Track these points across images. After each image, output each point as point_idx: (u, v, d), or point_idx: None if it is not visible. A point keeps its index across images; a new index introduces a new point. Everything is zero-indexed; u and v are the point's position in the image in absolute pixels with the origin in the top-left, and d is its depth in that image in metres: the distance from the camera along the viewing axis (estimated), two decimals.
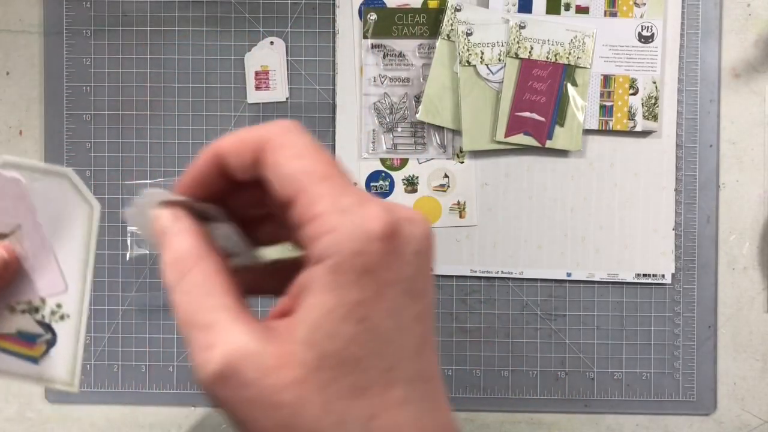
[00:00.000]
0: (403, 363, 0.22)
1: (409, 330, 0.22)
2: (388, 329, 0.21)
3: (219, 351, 0.21)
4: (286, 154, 0.23)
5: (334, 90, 0.59)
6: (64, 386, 0.29)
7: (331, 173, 0.23)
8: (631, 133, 0.59)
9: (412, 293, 0.22)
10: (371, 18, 0.58)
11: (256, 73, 0.59)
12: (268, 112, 0.60)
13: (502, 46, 0.58)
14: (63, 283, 0.29)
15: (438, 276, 0.60)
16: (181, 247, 0.24)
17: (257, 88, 0.59)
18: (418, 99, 0.59)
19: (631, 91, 0.58)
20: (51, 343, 0.29)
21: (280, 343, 0.21)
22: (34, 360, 0.29)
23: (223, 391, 0.21)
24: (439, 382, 0.24)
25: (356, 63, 0.59)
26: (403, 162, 0.60)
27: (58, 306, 0.29)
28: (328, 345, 0.21)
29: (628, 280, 0.59)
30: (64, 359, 0.29)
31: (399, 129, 0.59)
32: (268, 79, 0.59)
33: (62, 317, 0.29)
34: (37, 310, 0.29)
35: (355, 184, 0.25)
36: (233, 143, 0.24)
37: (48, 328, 0.29)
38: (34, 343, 0.29)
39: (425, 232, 0.23)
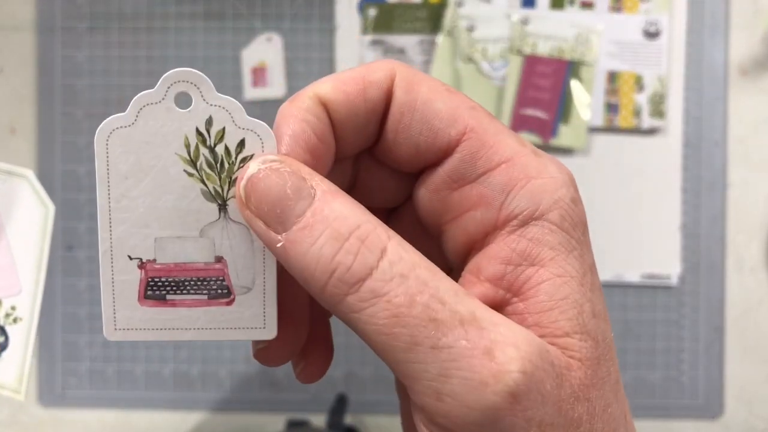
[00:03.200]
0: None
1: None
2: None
3: (512, 355, 0.15)
4: (431, 91, 0.18)
5: None
6: (10, 392, 0.28)
7: (487, 111, 0.18)
8: (637, 130, 0.58)
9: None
10: (371, 13, 0.58)
11: (253, 71, 0.58)
12: (266, 108, 0.59)
13: (505, 42, 0.57)
14: (18, 285, 0.28)
15: None
16: (348, 212, 0.16)
17: (254, 85, 0.58)
18: None
19: (637, 88, 0.57)
20: (2, 346, 0.28)
21: (547, 336, 0.16)
22: None
23: (514, 415, 0.15)
24: None
25: (356, 59, 0.58)
26: None
27: (13, 308, 0.28)
28: (593, 325, 0.17)
29: (633, 281, 0.58)
30: (14, 365, 0.28)
31: None
32: (265, 76, 0.58)
33: (15, 320, 0.28)
34: None
35: None
36: (340, 87, 0.18)
37: (1, 330, 0.28)
38: None
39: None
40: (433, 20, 0.58)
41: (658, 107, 0.58)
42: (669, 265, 0.58)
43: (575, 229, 0.17)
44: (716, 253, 0.59)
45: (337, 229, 0.16)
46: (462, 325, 0.15)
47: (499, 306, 0.17)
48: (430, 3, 0.58)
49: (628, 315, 0.59)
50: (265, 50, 0.58)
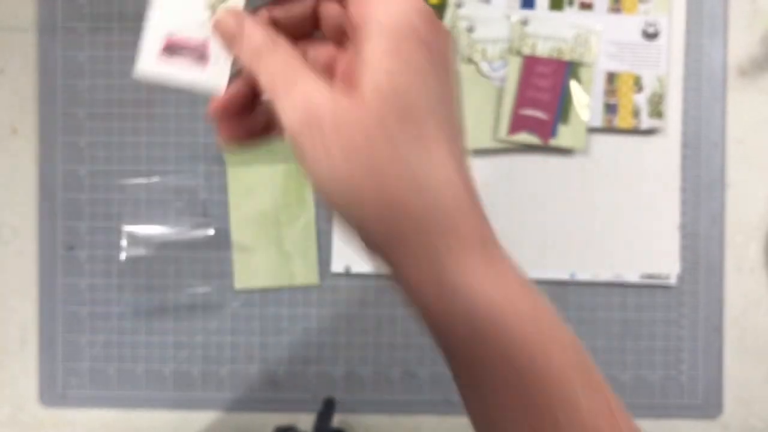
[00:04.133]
0: (441, 107, 0.25)
1: (446, 84, 0.25)
2: (433, 75, 0.25)
3: (301, 99, 0.25)
4: None
5: None
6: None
7: None
8: (636, 131, 0.58)
9: (443, 64, 0.25)
10: None
11: None
12: None
13: (505, 42, 0.57)
14: None
15: None
16: (256, 37, 0.27)
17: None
18: None
19: (636, 89, 0.58)
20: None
21: (351, 91, 0.24)
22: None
23: (306, 133, 0.24)
24: (462, 137, 0.27)
25: None
26: None
27: None
28: (385, 83, 0.24)
29: (632, 281, 0.58)
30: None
31: None
32: None
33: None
34: None
35: None
36: None
37: None
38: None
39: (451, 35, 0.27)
40: None
41: (657, 108, 0.58)
42: (668, 265, 0.59)
43: (399, 29, 0.24)
44: (715, 253, 0.59)
45: (248, 43, 0.28)
46: (290, 85, 0.25)
47: (349, 71, 0.26)
48: (430, 3, 0.58)
49: (627, 315, 0.59)
50: None
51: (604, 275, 0.59)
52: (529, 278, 0.26)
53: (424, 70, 0.24)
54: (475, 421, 0.26)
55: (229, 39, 0.29)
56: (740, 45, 0.59)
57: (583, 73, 0.57)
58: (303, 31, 0.29)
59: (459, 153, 0.25)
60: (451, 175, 0.24)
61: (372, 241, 0.25)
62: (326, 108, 0.24)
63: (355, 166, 0.24)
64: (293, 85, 0.25)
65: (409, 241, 0.24)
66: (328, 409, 0.57)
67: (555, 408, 0.24)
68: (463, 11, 0.57)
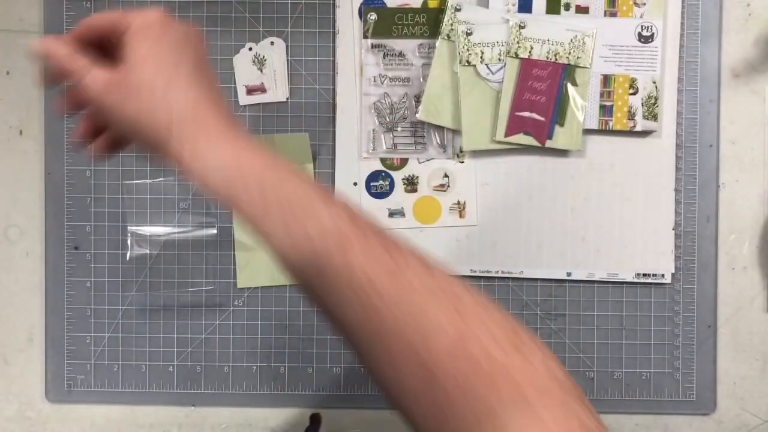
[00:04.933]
0: (182, 70, 0.37)
1: (183, 57, 0.37)
2: (168, 53, 0.37)
3: (98, 78, 0.37)
4: (105, 15, 0.39)
5: (334, 90, 0.59)
6: None
7: (127, 12, 0.39)
8: (631, 132, 0.59)
9: (182, 45, 0.37)
10: (371, 18, 0.58)
11: (248, 89, 0.59)
12: (267, 111, 0.60)
13: (502, 45, 0.58)
14: None
15: None
16: (76, 60, 0.38)
17: (249, 93, 0.60)
18: (418, 99, 0.59)
19: (631, 91, 0.58)
20: None
21: (116, 70, 0.37)
22: None
23: (107, 97, 0.37)
24: (213, 80, 0.38)
25: (356, 63, 0.59)
26: (403, 162, 0.60)
27: None
28: (132, 62, 0.37)
29: (627, 280, 0.59)
30: None
31: (399, 129, 0.59)
32: (262, 89, 0.59)
33: None
34: None
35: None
36: (96, 21, 0.39)
37: None
38: None
39: (190, 29, 0.38)
40: (432, 25, 0.58)
41: (651, 109, 0.59)
42: (663, 264, 0.59)
43: (142, 29, 0.37)
44: (709, 252, 0.60)
45: (73, 65, 0.39)
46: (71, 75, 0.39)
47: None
48: (429, 8, 0.59)
49: (622, 313, 0.60)
50: (269, 53, 0.59)
51: (600, 274, 0.59)
52: (257, 146, 0.36)
53: (159, 48, 0.37)
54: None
55: (59, 60, 0.38)
56: (734, 48, 0.60)
57: (579, 75, 0.58)
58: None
59: (197, 84, 0.37)
60: (190, 96, 0.36)
61: (149, 147, 0.37)
62: (106, 80, 0.37)
63: (131, 106, 0.36)
64: (89, 71, 0.38)
65: (168, 137, 0.36)
66: (314, 425, 0.57)
67: (290, 210, 0.34)
68: (461, 15, 0.58)
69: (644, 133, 0.59)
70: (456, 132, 0.59)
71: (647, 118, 0.58)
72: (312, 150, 0.59)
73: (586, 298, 0.60)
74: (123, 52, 0.37)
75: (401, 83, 0.59)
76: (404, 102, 0.59)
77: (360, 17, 0.59)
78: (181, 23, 0.38)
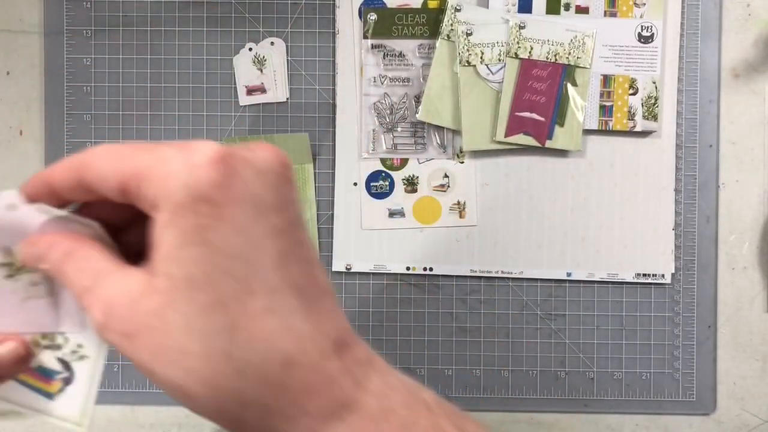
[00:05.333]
0: (261, 275, 0.23)
1: (263, 244, 0.23)
2: (237, 245, 0.23)
3: (97, 304, 0.24)
4: (97, 161, 0.24)
5: (334, 90, 0.59)
6: (73, 426, 0.29)
7: (144, 146, 0.24)
8: (631, 133, 0.59)
9: (260, 209, 0.23)
10: (371, 18, 0.58)
11: (248, 89, 0.59)
12: (267, 112, 0.60)
13: (502, 46, 0.58)
14: (82, 322, 0.29)
15: (438, 276, 0.60)
16: (60, 244, 0.26)
17: (249, 93, 0.60)
18: (418, 99, 0.59)
19: (631, 91, 0.58)
20: (68, 381, 0.29)
21: (142, 282, 0.23)
22: (50, 396, 0.29)
23: (112, 335, 0.24)
24: (320, 292, 0.25)
25: (356, 63, 0.59)
26: (403, 162, 0.60)
27: (79, 346, 0.29)
28: (176, 270, 0.22)
29: (628, 280, 0.59)
30: (78, 399, 0.29)
31: (399, 129, 0.59)
32: (262, 89, 0.59)
33: (81, 357, 0.29)
34: (59, 347, 0.29)
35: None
36: (56, 173, 0.26)
37: (67, 366, 0.29)
38: (52, 380, 0.29)
39: (271, 154, 0.24)
40: (432, 25, 0.58)
41: (651, 110, 0.59)
42: (663, 264, 0.59)
43: (183, 208, 0.22)
44: (709, 252, 0.60)
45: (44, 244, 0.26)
46: (89, 292, 0.24)
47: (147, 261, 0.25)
48: (429, 8, 0.59)
49: (622, 313, 0.60)
50: (269, 53, 0.60)
51: (600, 274, 0.59)
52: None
53: (221, 237, 0.23)
54: None
55: (34, 258, 0.26)
56: (734, 48, 0.60)
57: (579, 75, 0.58)
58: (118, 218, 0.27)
59: (292, 302, 0.23)
60: (276, 341, 0.23)
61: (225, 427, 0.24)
62: (123, 304, 0.23)
63: (161, 357, 0.23)
64: (91, 290, 0.24)
65: (252, 428, 0.23)
66: None
67: None
68: (461, 15, 0.58)
69: (644, 134, 0.59)
70: (456, 132, 0.59)
71: (647, 119, 0.59)
72: (312, 150, 0.59)
73: (586, 298, 0.60)
74: (151, 249, 0.24)
75: (401, 83, 0.59)
76: (404, 102, 0.59)
77: (360, 17, 0.59)
78: (254, 153, 0.24)
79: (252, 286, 0.23)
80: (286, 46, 0.59)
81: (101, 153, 0.24)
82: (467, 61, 0.58)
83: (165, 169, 0.23)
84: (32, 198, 0.26)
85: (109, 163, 0.24)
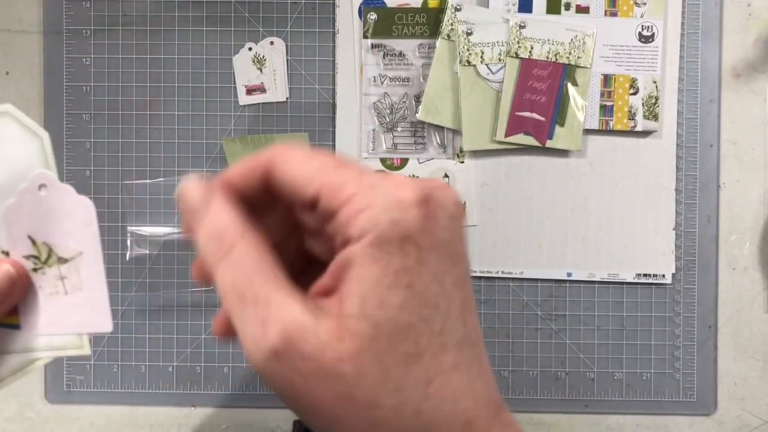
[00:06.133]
0: (451, 327, 0.22)
1: (452, 294, 0.22)
2: (434, 294, 0.22)
3: (276, 326, 0.22)
4: (294, 163, 0.23)
5: (334, 90, 0.59)
6: (76, 350, 0.29)
7: (343, 162, 0.23)
8: (632, 132, 0.59)
9: (451, 257, 0.23)
10: (371, 18, 0.58)
11: (248, 89, 0.59)
12: (267, 111, 0.60)
13: (503, 45, 0.58)
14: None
15: None
16: (221, 221, 0.24)
17: (249, 93, 0.59)
18: (418, 99, 0.59)
19: (632, 91, 0.58)
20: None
21: (334, 317, 0.21)
22: (16, 326, 0.28)
23: (280, 366, 0.21)
24: (483, 347, 0.24)
25: (356, 63, 0.59)
26: (403, 162, 0.60)
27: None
28: (381, 314, 0.21)
29: (628, 280, 0.59)
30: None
31: (399, 129, 0.59)
32: (262, 88, 0.59)
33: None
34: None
35: None
36: (239, 172, 0.25)
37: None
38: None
39: (455, 198, 0.24)
40: (432, 24, 0.58)
41: (652, 109, 0.58)
42: (663, 265, 0.59)
43: (389, 243, 0.21)
44: (710, 252, 0.60)
45: (212, 229, 0.24)
46: (256, 303, 0.22)
47: (330, 291, 0.23)
48: (430, 8, 0.59)
49: (623, 313, 0.60)
50: (269, 53, 0.59)
51: (600, 274, 0.59)
52: None
53: (422, 283, 0.22)
54: None
55: (190, 215, 0.24)
56: (734, 47, 0.60)
57: (580, 75, 0.58)
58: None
59: (470, 357, 0.23)
60: (460, 399, 0.22)
61: None
62: (307, 338, 0.21)
63: (343, 406, 0.21)
64: (264, 303, 0.22)
65: None
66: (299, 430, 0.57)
67: None
68: (461, 15, 0.58)
69: (645, 133, 0.59)
70: (456, 132, 0.59)
71: (648, 118, 0.58)
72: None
73: (587, 298, 0.60)
74: (338, 275, 0.22)
75: (401, 83, 0.59)
76: (404, 102, 0.59)
77: (360, 17, 0.59)
78: (445, 195, 0.23)
79: (444, 339, 0.22)
80: (286, 46, 0.59)
81: (298, 156, 0.24)
82: (467, 61, 0.58)
83: (372, 197, 0.22)
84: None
85: (308, 168, 0.23)
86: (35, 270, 0.28)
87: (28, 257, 0.28)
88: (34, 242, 0.27)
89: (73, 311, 0.28)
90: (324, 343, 0.21)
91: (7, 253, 0.28)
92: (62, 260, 0.28)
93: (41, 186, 0.27)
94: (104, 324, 0.28)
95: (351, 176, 0.23)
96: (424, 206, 0.22)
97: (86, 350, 0.28)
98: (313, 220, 0.24)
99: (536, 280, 0.60)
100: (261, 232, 0.24)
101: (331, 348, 0.21)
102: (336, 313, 0.21)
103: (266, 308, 0.22)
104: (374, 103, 0.59)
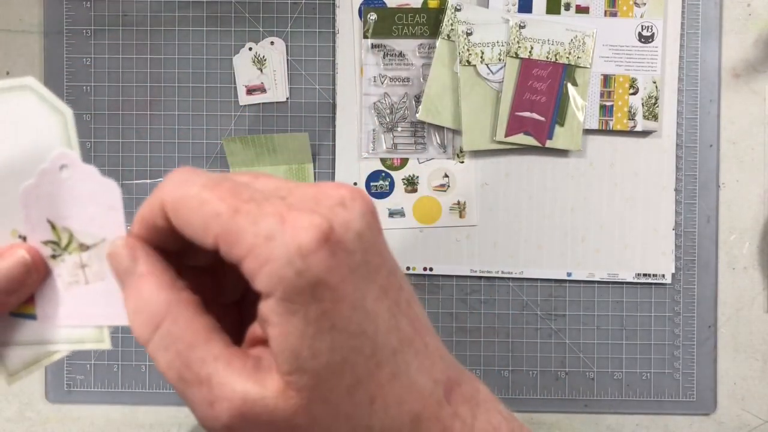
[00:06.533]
0: (382, 342, 0.22)
1: (377, 309, 0.22)
2: (358, 322, 0.22)
3: (224, 405, 0.22)
4: (186, 209, 0.22)
5: (334, 90, 0.59)
6: (95, 344, 0.26)
7: (237, 201, 0.22)
8: (632, 132, 0.59)
9: (368, 274, 0.23)
10: (371, 18, 0.58)
11: (248, 89, 0.59)
12: (267, 111, 0.60)
13: (502, 45, 0.58)
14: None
15: (438, 276, 0.60)
16: (145, 290, 0.23)
17: (249, 93, 0.59)
18: (418, 99, 0.59)
19: (632, 91, 0.58)
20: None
21: (275, 377, 0.22)
22: (32, 317, 0.26)
23: None
24: (424, 332, 0.24)
25: (356, 63, 0.59)
26: (403, 162, 0.60)
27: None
28: (315, 363, 0.21)
29: (628, 280, 0.59)
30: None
31: (399, 129, 0.59)
32: (262, 88, 0.59)
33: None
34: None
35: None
36: (139, 224, 0.24)
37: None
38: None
39: (361, 208, 0.23)
40: (432, 24, 0.58)
41: (652, 109, 0.59)
42: (663, 265, 0.59)
43: (300, 295, 0.21)
44: (709, 252, 0.60)
45: (136, 301, 0.23)
46: (199, 384, 0.22)
47: (263, 339, 0.23)
48: (429, 8, 0.59)
49: (622, 313, 0.60)
50: (269, 53, 0.59)
51: (600, 274, 0.59)
52: None
53: (344, 319, 0.22)
54: None
55: (120, 278, 0.24)
56: (734, 48, 0.60)
57: (580, 75, 0.58)
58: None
59: (409, 358, 0.23)
60: (404, 401, 0.23)
61: None
62: (257, 408, 0.22)
63: None
64: (206, 383, 0.22)
65: None
66: None
67: None
68: (461, 15, 0.58)
69: (644, 133, 0.59)
70: (456, 132, 0.59)
71: (647, 118, 0.58)
72: (312, 150, 0.59)
73: (587, 298, 0.60)
74: (264, 328, 0.22)
75: (401, 83, 0.59)
76: (404, 102, 0.59)
77: (360, 17, 0.59)
78: (348, 210, 0.23)
79: (377, 357, 0.22)
80: (286, 46, 0.59)
81: (190, 200, 0.22)
82: (467, 61, 0.58)
83: (270, 249, 0.21)
84: (142, 239, 0.24)
85: (201, 215, 0.22)
86: (54, 257, 0.26)
87: (46, 243, 0.26)
88: (53, 227, 0.26)
89: (93, 302, 0.26)
90: (274, 407, 0.21)
91: (24, 238, 0.26)
92: (84, 247, 0.26)
93: (62, 167, 0.25)
94: (123, 317, 0.27)
95: (247, 222, 0.21)
96: (326, 243, 0.21)
97: (106, 344, 0.26)
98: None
99: (536, 280, 0.60)
100: (188, 290, 0.23)
101: (280, 409, 0.21)
102: (274, 371, 0.22)
103: (209, 389, 0.22)
104: (374, 103, 0.59)
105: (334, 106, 0.60)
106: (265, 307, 0.21)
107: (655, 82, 0.58)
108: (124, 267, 0.24)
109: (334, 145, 0.60)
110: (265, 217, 0.21)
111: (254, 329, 0.23)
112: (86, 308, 0.26)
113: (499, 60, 0.58)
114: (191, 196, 0.22)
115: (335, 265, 0.21)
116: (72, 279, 0.25)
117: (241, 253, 0.21)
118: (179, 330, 0.22)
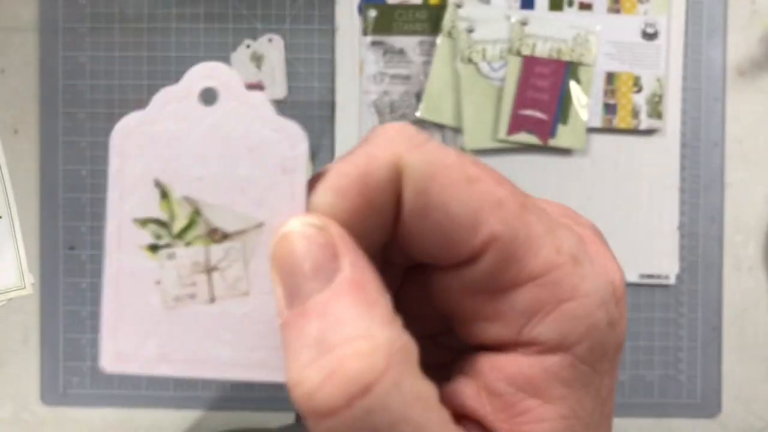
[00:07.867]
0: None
1: (607, 405, 0.16)
2: (596, 423, 0.16)
3: None
4: (448, 183, 0.15)
5: (333, 88, 0.59)
6: (16, 292, 0.22)
7: (517, 191, 0.15)
8: (635, 131, 0.58)
9: (615, 359, 0.17)
10: (371, 14, 0.58)
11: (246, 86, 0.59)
12: None
13: (504, 43, 0.57)
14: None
15: None
16: (355, 325, 0.13)
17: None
18: (418, 97, 0.58)
19: (635, 89, 0.58)
20: None
21: None
22: None
23: None
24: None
25: (356, 60, 0.59)
26: None
27: None
28: None
29: (631, 281, 0.59)
30: (8, 264, 0.22)
31: None
32: (260, 86, 0.59)
33: None
34: None
35: None
36: (343, 203, 0.15)
37: None
38: None
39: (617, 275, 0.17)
40: (432, 21, 0.58)
41: (656, 108, 0.58)
42: (667, 265, 0.59)
43: (603, 358, 0.15)
44: (714, 252, 0.59)
45: (324, 333, 0.13)
46: None
47: (483, 420, 0.15)
48: (430, 4, 0.58)
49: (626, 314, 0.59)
50: (267, 51, 0.59)
51: None
52: None
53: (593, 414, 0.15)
54: None
55: (297, 286, 0.14)
56: (739, 45, 0.59)
57: (583, 73, 0.57)
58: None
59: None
60: None
61: None
62: None
63: None
64: None
65: None
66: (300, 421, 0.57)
67: None
68: (463, 12, 0.57)
69: (648, 132, 0.59)
70: (457, 130, 0.58)
71: (651, 117, 0.58)
72: (311, 148, 0.59)
73: None
74: (516, 399, 0.15)
75: (402, 81, 0.58)
76: (405, 100, 0.59)
77: (360, 14, 0.58)
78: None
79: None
80: (285, 43, 0.59)
81: (452, 173, 0.14)
82: (469, 59, 0.57)
83: (580, 278, 0.15)
84: (346, 225, 0.15)
85: (468, 197, 0.14)
86: (154, 249, 0.17)
87: (144, 222, 0.17)
88: (164, 194, 0.17)
89: (217, 338, 0.17)
90: None
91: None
92: (217, 235, 0.16)
93: (205, 90, 0.18)
94: None
95: (543, 228, 0.15)
96: (623, 295, 0.16)
97: (27, 290, 0.22)
98: (459, 280, 0.15)
99: None
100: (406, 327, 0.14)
101: None
102: None
103: None
104: (374, 101, 0.59)
105: (333, 104, 0.59)
106: (549, 364, 0.14)
107: (659, 80, 0.58)
108: (309, 270, 0.14)
109: (333, 144, 0.59)
110: (562, 229, 0.15)
111: (462, 394, 0.15)
112: (204, 349, 0.16)
113: (501, 57, 0.57)
114: (453, 166, 0.15)
115: (624, 325, 0.16)
116: (183, 291, 0.15)
117: (535, 271, 0.14)
118: (400, 401, 0.13)
